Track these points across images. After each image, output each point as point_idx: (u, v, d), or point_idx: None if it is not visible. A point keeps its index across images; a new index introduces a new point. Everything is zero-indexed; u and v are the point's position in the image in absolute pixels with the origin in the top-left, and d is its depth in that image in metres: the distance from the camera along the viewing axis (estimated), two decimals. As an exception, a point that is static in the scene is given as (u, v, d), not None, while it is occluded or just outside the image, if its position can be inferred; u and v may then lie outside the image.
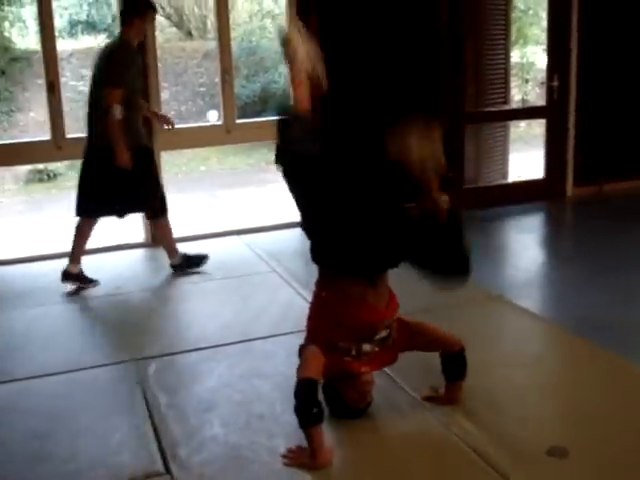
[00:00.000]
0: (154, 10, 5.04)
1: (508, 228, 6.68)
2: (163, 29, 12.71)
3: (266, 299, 4.60)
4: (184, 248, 5.28)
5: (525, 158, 8.56)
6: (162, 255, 5.54)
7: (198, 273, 5.19)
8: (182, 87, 12.70)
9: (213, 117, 9.54)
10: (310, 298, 3.07)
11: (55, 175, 11.08)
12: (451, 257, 2.84)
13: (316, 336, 2.95)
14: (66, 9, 12.61)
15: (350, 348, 2.91)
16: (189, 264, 5.21)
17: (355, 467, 2.81)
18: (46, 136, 5.80)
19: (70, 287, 4.95)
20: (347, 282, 2.87)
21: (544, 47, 7.61)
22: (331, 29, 5.90)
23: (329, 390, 2.99)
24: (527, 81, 13.76)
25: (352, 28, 6.06)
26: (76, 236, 4.98)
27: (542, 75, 9.21)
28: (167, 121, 5.36)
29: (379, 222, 2.86)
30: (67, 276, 4.96)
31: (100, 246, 5.78)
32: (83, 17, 12.80)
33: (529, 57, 13.56)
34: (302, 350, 2.95)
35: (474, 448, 2.83)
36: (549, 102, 7.20)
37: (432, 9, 6.30)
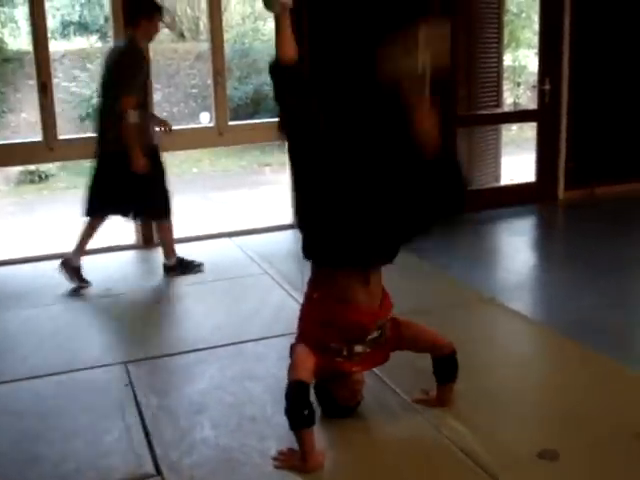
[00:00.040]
0: (161, 11, 5.03)
1: (500, 231, 6.69)
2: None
3: (258, 301, 4.60)
4: (178, 251, 5.26)
5: (517, 161, 8.58)
6: (154, 257, 5.54)
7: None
8: (174, 89, 12.69)
9: (205, 119, 9.52)
10: (302, 300, 3.07)
11: (47, 176, 11.05)
12: (447, 185, 2.80)
13: (307, 336, 2.94)
14: (58, 10, 12.59)
15: (341, 349, 2.90)
16: (183, 269, 5.20)
17: (346, 470, 2.81)
18: (38, 137, 5.78)
19: (65, 276, 4.96)
20: (340, 280, 2.85)
21: (536, 50, 7.62)
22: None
23: (320, 389, 3.00)
24: (519, 84, 13.79)
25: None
26: (84, 232, 5.03)
27: (534, 78, 9.22)
28: (166, 125, 5.35)
29: (375, 178, 2.81)
30: (65, 264, 4.98)
31: (91, 248, 5.76)
32: (75, 18, 12.77)
33: (521, 60, 13.59)
34: (293, 349, 2.94)
35: (465, 450, 2.83)
36: (541, 105, 7.22)
37: None
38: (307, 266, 3.00)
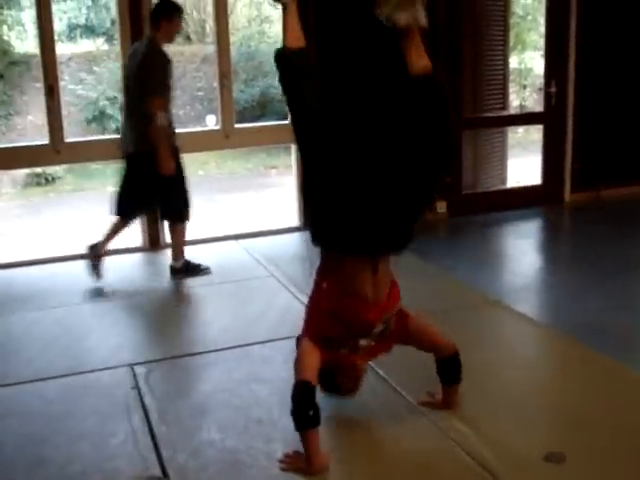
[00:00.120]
0: (181, 11, 5.05)
1: (506, 233, 6.69)
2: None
3: (264, 304, 4.60)
4: (185, 254, 5.27)
5: (523, 164, 8.57)
6: (160, 259, 5.55)
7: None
8: (180, 91, 12.69)
9: (211, 122, 9.54)
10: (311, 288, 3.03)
11: (53, 179, 11.07)
12: (439, 127, 2.76)
13: (313, 327, 2.94)
14: (65, 13, 12.61)
15: (347, 342, 2.90)
16: (190, 272, 5.21)
17: (351, 472, 2.81)
18: (44, 140, 5.79)
19: (87, 260, 5.09)
20: (347, 267, 2.82)
21: (542, 53, 7.61)
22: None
23: (324, 375, 2.97)
24: (525, 87, 13.77)
25: None
26: (112, 228, 5.13)
27: (540, 81, 9.22)
28: None
29: (381, 159, 2.79)
30: (92, 249, 5.09)
31: (85, 254, 5.78)
32: (82, 21, 12.79)
33: (527, 63, 13.57)
34: (298, 342, 2.94)
35: (471, 453, 2.83)
36: (547, 108, 7.21)
37: None
38: (314, 269, 2.99)
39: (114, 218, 5.13)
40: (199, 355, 3.92)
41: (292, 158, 6.65)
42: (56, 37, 5.91)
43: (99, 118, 12.03)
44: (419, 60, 2.73)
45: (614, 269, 5.21)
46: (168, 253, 5.35)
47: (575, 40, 6.95)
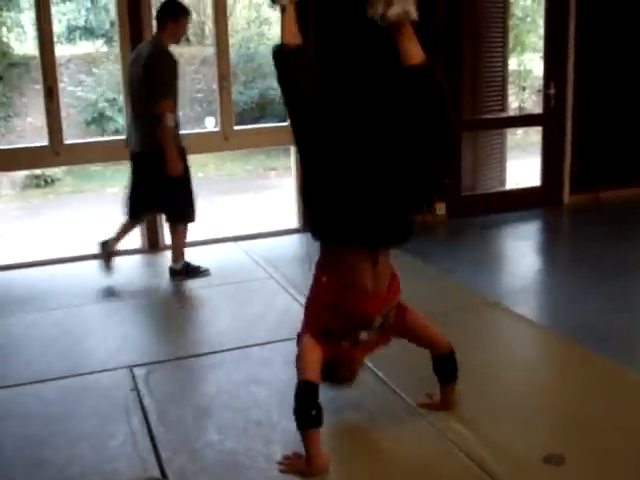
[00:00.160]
0: (187, 13, 5.05)
1: (505, 235, 6.69)
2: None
3: (263, 305, 4.60)
4: (185, 256, 5.27)
5: (522, 165, 8.57)
6: (159, 261, 5.55)
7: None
8: (180, 93, 12.70)
9: (210, 124, 9.54)
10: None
11: (52, 180, 11.07)
12: (437, 116, 2.75)
13: (313, 322, 2.93)
14: (64, 14, 12.61)
15: (347, 335, 2.89)
16: (189, 274, 5.21)
17: (351, 473, 2.81)
18: (44, 142, 5.80)
19: (99, 256, 5.16)
20: (347, 259, 2.81)
21: (541, 54, 7.62)
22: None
23: (325, 368, 2.96)
24: (524, 89, 13.78)
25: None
26: (123, 227, 5.21)
27: (539, 83, 9.23)
28: None
29: (379, 151, 2.79)
30: (104, 246, 5.15)
31: (96, 252, 5.77)
32: (81, 23, 12.79)
33: (526, 64, 13.58)
34: (299, 339, 2.94)
35: (470, 455, 2.83)
36: (546, 110, 7.22)
37: None
38: (312, 270, 2.99)
39: (124, 218, 5.17)
40: (198, 357, 3.92)
41: (291, 160, 6.66)
42: (55, 39, 5.92)
43: (98, 120, 12.04)
44: (413, 51, 2.74)
45: (613, 271, 5.22)
46: (168, 255, 5.35)
47: (574, 42, 6.96)
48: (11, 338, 4.32)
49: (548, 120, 7.21)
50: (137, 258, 5.87)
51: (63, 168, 10.38)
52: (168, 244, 5.46)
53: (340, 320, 2.86)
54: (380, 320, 2.90)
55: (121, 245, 5.30)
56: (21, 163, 6.19)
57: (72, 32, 12.80)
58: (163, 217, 5.43)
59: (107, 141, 8.28)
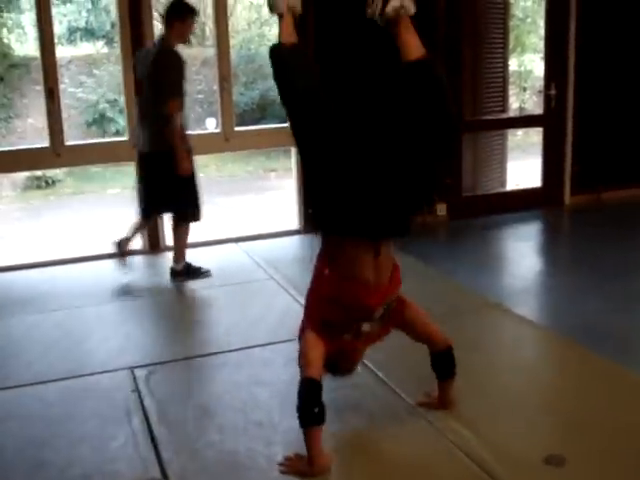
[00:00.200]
0: (194, 13, 5.06)
1: (506, 236, 6.69)
2: (162, 36, 12.72)
3: (264, 306, 4.60)
4: (186, 256, 5.27)
5: (523, 166, 8.57)
6: (160, 262, 5.55)
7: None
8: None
9: (211, 125, 9.55)
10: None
11: (53, 182, 11.08)
12: (437, 106, 2.75)
13: (314, 315, 2.93)
14: (65, 16, 12.63)
15: (349, 328, 2.89)
16: (190, 275, 5.21)
17: (351, 473, 2.81)
18: (45, 143, 5.80)
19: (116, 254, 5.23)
20: (348, 251, 2.79)
21: (542, 55, 7.63)
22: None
23: (328, 360, 2.95)
24: (525, 89, 13.78)
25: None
26: (136, 226, 5.26)
27: (540, 83, 9.24)
28: None
29: (378, 140, 2.79)
30: (119, 246, 5.19)
31: (97, 253, 5.78)
32: (82, 24, 12.81)
33: (527, 65, 13.59)
34: (301, 334, 2.94)
35: (470, 455, 2.83)
36: (546, 110, 7.22)
37: None
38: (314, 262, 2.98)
39: (137, 217, 5.21)
40: (199, 358, 3.93)
41: (292, 161, 6.66)
42: (56, 40, 5.91)
43: (99, 121, 12.05)
44: (412, 46, 2.74)
45: (613, 271, 5.22)
46: (168, 256, 5.36)
47: (575, 42, 6.96)
48: (12, 339, 4.32)
49: (549, 121, 7.21)
50: (138, 259, 5.86)
51: (64, 169, 10.39)
52: (169, 245, 5.47)
53: (341, 312, 2.85)
54: (381, 311, 2.90)
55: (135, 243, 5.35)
56: (22, 164, 6.19)
57: (73, 33, 12.82)
58: (167, 217, 5.42)
59: (108, 142, 8.29)
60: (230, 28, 6.32)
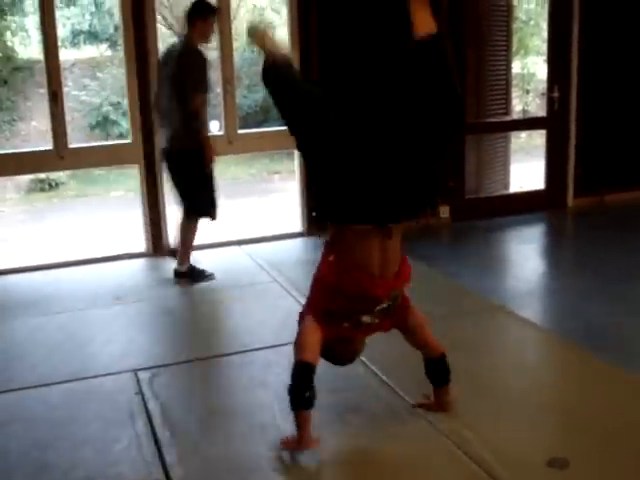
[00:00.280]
0: (215, 12, 5.14)
1: (509, 239, 6.69)
2: (165, 39, 12.72)
3: (268, 309, 4.60)
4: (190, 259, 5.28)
5: (526, 169, 8.57)
6: (164, 265, 5.55)
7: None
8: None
9: (214, 127, 9.54)
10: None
11: (57, 184, 11.10)
12: (445, 89, 2.75)
13: (316, 302, 2.95)
14: (69, 19, 12.65)
15: (350, 317, 2.89)
16: (194, 277, 5.21)
17: (351, 473, 2.82)
18: (48, 146, 5.81)
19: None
20: (355, 241, 2.80)
21: (545, 58, 7.63)
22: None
23: (325, 346, 2.96)
24: (528, 92, 13.78)
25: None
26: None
27: (543, 86, 9.23)
28: None
29: (383, 125, 2.79)
30: (172, 253, 5.35)
31: (100, 256, 5.79)
32: (85, 27, 12.83)
33: (530, 68, 13.58)
34: (301, 319, 2.96)
35: (473, 458, 2.83)
36: (550, 113, 7.22)
37: None
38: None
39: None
40: (203, 360, 3.93)
41: (295, 163, 6.66)
42: (60, 43, 5.93)
43: (103, 124, 12.07)
44: (424, 22, 2.74)
45: (617, 274, 5.21)
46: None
47: (578, 45, 6.95)
48: (16, 342, 4.33)
49: (552, 123, 7.21)
50: (141, 262, 5.87)
51: (67, 172, 10.39)
52: (173, 248, 5.47)
53: (344, 302, 2.86)
54: (384, 304, 2.90)
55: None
56: (26, 167, 6.20)
57: (76, 36, 12.85)
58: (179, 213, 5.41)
59: (111, 145, 8.29)
60: (233, 31, 6.33)
